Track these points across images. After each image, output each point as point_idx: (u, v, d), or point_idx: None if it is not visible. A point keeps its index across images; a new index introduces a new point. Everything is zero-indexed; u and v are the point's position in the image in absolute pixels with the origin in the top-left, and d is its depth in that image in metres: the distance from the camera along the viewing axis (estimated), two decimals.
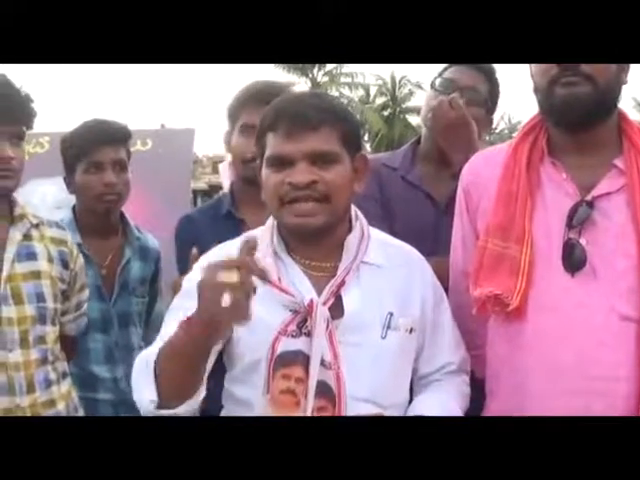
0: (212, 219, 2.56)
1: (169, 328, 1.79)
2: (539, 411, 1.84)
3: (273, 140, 1.85)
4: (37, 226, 2.30)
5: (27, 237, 2.26)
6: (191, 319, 1.61)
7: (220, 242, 2.40)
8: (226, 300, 1.50)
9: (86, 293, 2.49)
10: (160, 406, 1.70)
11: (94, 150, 2.68)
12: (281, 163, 1.83)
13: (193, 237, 2.50)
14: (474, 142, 2.36)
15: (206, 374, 1.76)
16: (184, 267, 2.47)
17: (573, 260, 1.86)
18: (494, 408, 2.00)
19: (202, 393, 1.75)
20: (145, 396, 1.71)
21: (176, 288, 2.53)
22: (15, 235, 2.23)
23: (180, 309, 1.83)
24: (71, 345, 2.49)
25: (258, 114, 2.45)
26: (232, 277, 1.50)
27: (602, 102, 1.88)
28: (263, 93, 2.47)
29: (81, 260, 2.43)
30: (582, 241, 1.86)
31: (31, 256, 2.25)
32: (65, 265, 2.33)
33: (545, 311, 1.87)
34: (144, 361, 1.75)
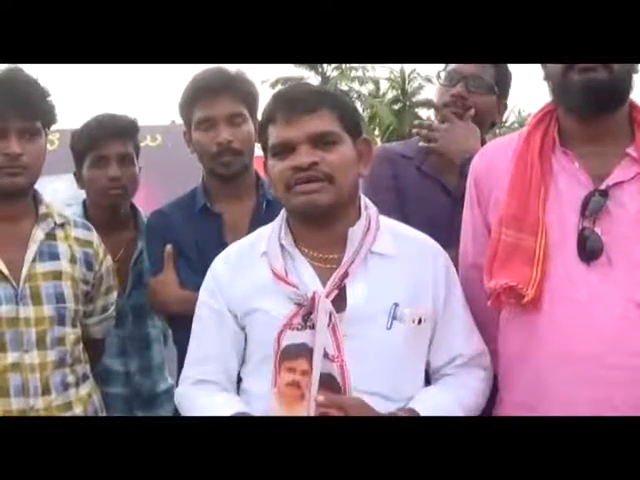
0: (187, 214, 2.51)
1: (199, 348, 2.00)
2: (558, 403, 1.84)
3: (273, 130, 1.88)
4: (62, 225, 2.27)
5: (50, 236, 2.23)
6: None
7: (198, 238, 2.41)
8: None
9: (113, 296, 2.45)
10: None
11: (100, 144, 2.67)
12: (283, 150, 1.86)
13: (166, 233, 2.49)
14: (473, 146, 2.34)
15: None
16: (157, 266, 2.47)
17: (588, 249, 1.85)
18: (508, 402, 1.99)
19: None
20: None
21: (151, 291, 2.51)
22: (38, 234, 2.20)
23: (210, 327, 1.98)
24: (96, 348, 2.46)
25: (211, 106, 2.43)
26: None
27: (617, 88, 1.87)
28: (213, 83, 2.45)
29: (108, 262, 2.39)
30: (597, 230, 1.85)
31: (53, 256, 2.22)
32: (89, 266, 2.30)
33: (561, 301, 1.86)
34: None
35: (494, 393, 2.03)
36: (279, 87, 37.98)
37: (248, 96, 2.51)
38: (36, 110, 2.17)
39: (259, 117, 2.53)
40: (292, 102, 1.86)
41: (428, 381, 1.99)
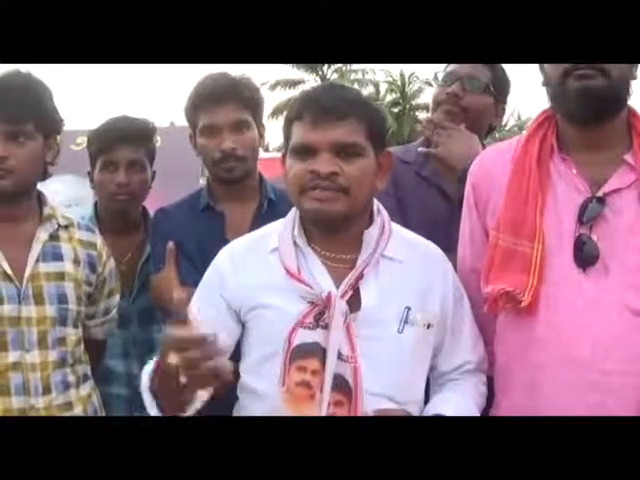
0: (190, 213, 2.55)
1: None
2: (553, 408, 1.84)
3: (299, 129, 1.85)
4: (66, 227, 2.28)
5: (54, 237, 2.24)
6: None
7: (200, 236, 2.43)
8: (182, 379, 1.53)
9: (116, 298, 2.46)
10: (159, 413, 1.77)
11: (110, 148, 2.69)
12: (305, 152, 1.83)
13: (169, 230, 2.51)
14: (474, 152, 2.34)
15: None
16: (159, 262, 2.49)
17: (584, 256, 1.86)
18: (505, 406, 1.99)
19: (200, 401, 1.75)
20: (148, 406, 1.78)
21: (152, 287, 2.53)
22: (41, 234, 2.21)
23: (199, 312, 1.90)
24: (97, 349, 2.47)
25: (215, 113, 2.44)
26: (174, 359, 1.52)
27: (615, 96, 1.87)
28: (217, 90, 2.46)
29: (111, 264, 2.40)
30: (593, 237, 1.86)
31: (57, 257, 2.23)
32: (93, 268, 2.31)
33: (557, 307, 1.87)
34: (145, 376, 1.80)
35: (490, 396, 2.04)
36: (279, 89, 37.94)
37: (252, 102, 2.52)
38: (26, 113, 2.17)
39: (264, 122, 2.57)
40: (322, 106, 1.82)
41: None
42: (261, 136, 2.55)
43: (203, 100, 2.48)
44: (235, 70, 2.52)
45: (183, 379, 1.52)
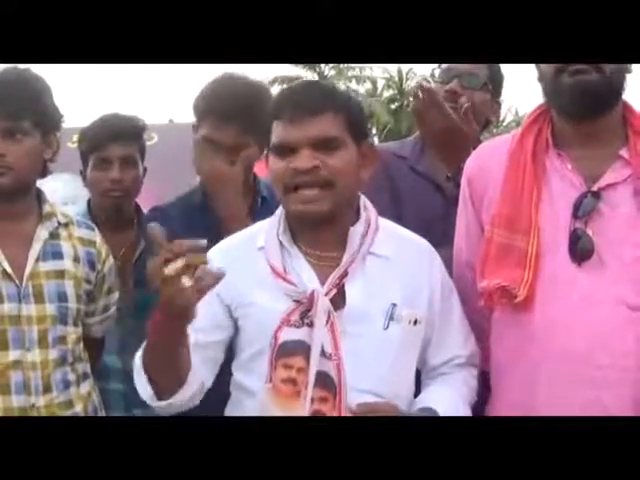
0: (184, 211, 2.52)
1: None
2: (548, 403, 1.85)
3: (277, 128, 1.87)
4: (66, 225, 2.28)
5: (54, 236, 2.24)
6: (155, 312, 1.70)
7: (195, 234, 2.42)
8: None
9: (115, 296, 2.46)
10: (154, 399, 1.81)
11: (102, 146, 2.71)
12: (285, 150, 1.84)
13: (164, 227, 2.49)
14: (466, 148, 2.33)
15: (191, 369, 1.81)
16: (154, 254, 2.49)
17: (580, 250, 1.86)
18: (501, 402, 2.00)
19: (191, 387, 1.82)
20: (142, 391, 1.83)
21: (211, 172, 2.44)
22: (42, 233, 2.21)
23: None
24: (96, 347, 2.47)
25: (219, 130, 2.39)
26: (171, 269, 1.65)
27: (609, 90, 1.87)
28: (226, 106, 2.39)
29: (110, 262, 2.40)
30: (589, 231, 1.86)
31: (57, 255, 2.23)
32: (92, 266, 2.31)
33: (553, 302, 1.87)
34: (137, 358, 1.84)
35: (486, 392, 2.05)
36: (277, 86, 37.97)
37: (259, 125, 2.40)
38: (23, 109, 2.16)
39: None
40: (297, 102, 1.84)
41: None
42: (260, 145, 2.52)
43: (210, 110, 2.42)
44: (254, 72, 2.47)
45: (168, 270, 1.64)
